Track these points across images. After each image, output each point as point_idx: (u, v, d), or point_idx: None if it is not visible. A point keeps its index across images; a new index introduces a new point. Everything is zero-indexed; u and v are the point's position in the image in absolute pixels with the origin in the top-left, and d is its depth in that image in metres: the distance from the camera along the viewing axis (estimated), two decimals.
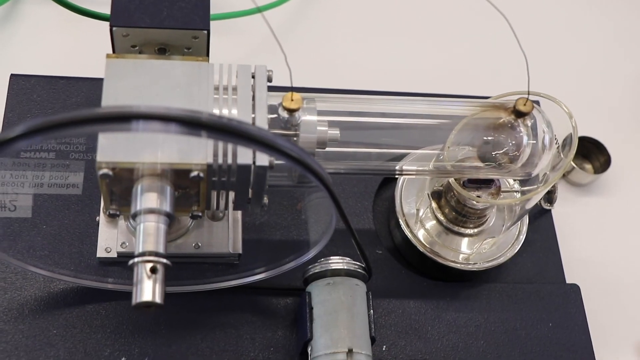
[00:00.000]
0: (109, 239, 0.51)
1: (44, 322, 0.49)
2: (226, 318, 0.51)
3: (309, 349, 0.47)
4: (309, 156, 0.35)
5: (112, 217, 0.44)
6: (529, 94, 0.46)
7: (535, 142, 0.48)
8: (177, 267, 0.51)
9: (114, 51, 0.46)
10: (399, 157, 0.51)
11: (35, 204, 0.52)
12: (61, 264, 0.51)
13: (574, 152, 0.48)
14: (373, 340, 0.48)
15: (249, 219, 0.55)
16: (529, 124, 0.47)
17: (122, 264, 0.50)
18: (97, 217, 0.51)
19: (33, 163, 0.54)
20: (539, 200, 0.58)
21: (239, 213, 0.52)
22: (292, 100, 0.43)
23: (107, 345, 0.49)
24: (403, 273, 0.55)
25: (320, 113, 0.45)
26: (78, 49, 0.64)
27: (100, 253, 0.50)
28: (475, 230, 0.55)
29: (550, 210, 0.60)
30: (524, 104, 0.46)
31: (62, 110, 0.56)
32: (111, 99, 0.41)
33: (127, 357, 0.48)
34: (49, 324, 0.49)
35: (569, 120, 0.48)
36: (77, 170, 0.54)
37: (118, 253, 0.50)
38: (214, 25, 0.46)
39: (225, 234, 0.51)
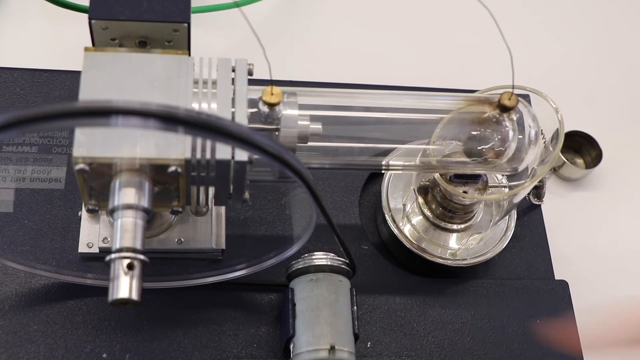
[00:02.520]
0: (90, 234, 0.50)
1: (24, 318, 0.48)
2: (209, 314, 0.50)
3: (292, 346, 0.47)
4: (287, 151, 0.34)
5: (92, 212, 0.43)
6: (513, 88, 0.45)
7: (521, 136, 0.47)
8: (160, 263, 0.51)
9: (93, 44, 0.45)
10: (386, 152, 0.50)
11: (17, 199, 0.52)
12: (42, 259, 0.50)
13: (561, 145, 0.48)
14: (356, 337, 0.47)
15: (233, 214, 0.54)
16: (515, 119, 0.47)
17: (104, 260, 0.50)
18: (80, 212, 0.51)
19: (15, 157, 0.53)
20: (528, 196, 0.57)
21: (223, 208, 0.52)
22: (272, 94, 0.42)
23: (88, 342, 0.48)
24: (389, 269, 0.55)
25: (302, 107, 0.44)
26: (61, 41, 0.63)
27: (82, 248, 0.50)
28: (463, 225, 0.54)
29: (540, 205, 0.59)
30: (509, 99, 0.45)
31: (44, 104, 0.55)
32: (89, 93, 0.40)
33: (109, 353, 0.48)
34: (29, 320, 0.48)
35: (554, 113, 0.47)
36: (60, 164, 0.54)
37: (100, 248, 0.50)
38: (195, 18, 0.46)
39: (209, 229, 0.51)
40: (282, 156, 0.34)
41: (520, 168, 0.48)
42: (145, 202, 0.39)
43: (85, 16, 0.45)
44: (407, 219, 0.54)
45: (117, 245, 0.38)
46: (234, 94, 0.42)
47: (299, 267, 0.48)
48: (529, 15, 0.76)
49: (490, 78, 0.53)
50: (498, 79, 0.50)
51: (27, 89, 0.56)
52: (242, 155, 0.40)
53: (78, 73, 0.41)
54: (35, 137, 0.54)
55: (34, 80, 0.57)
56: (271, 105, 0.42)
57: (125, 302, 0.37)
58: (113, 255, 0.38)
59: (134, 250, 0.38)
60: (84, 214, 0.51)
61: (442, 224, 0.54)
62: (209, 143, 0.40)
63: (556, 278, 0.57)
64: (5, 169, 0.53)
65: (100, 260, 0.51)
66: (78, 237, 0.50)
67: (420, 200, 0.54)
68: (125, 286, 0.37)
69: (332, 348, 0.45)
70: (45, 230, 0.51)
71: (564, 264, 0.59)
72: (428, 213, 0.54)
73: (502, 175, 0.55)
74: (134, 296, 0.37)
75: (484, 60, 0.69)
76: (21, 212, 0.52)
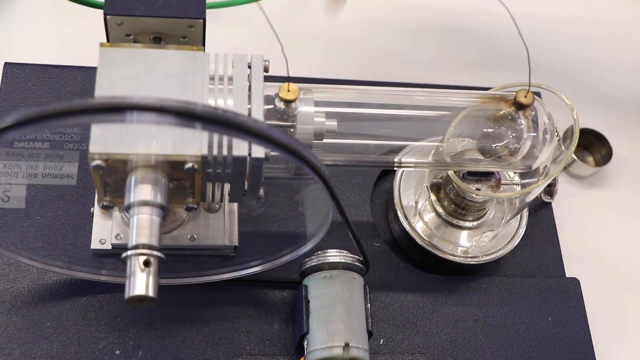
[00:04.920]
0: (103, 231, 0.50)
1: (37, 315, 0.48)
2: (222, 311, 0.50)
3: (305, 343, 0.46)
4: (305, 148, 0.34)
5: (106, 208, 0.43)
6: (529, 85, 0.45)
7: (535, 134, 0.47)
8: (173, 260, 0.51)
9: (108, 40, 0.45)
10: (398, 149, 0.50)
11: (29, 195, 0.52)
12: (55, 255, 0.50)
13: (575, 144, 0.48)
14: (370, 334, 0.47)
15: (246, 211, 0.54)
16: (530, 116, 0.46)
17: (117, 256, 0.49)
18: (92, 208, 0.51)
19: (27, 153, 0.53)
20: (539, 193, 0.57)
21: (235, 205, 0.52)
22: (288, 90, 0.42)
23: (101, 338, 0.48)
24: (401, 266, 0.55)
25: (318, 104, 0.44)
26: (73, 37, 0.63)
27: (95, 245, 0.50)
28: (475, 223, 0.54)
29: (550, 203, 0.59)
30: (525, 96, 0.45)
31: (56, 99, 0.55)
32: (104, 89, 0.40)
33: (121, 350, 0.48)
34: (42, 317, 0.48)
35: (570, 112, 0.47)
36: (72, 160, 0.53)
37: (112, 245, 0.50)
38: (211, 14, 0.46)
39: (222, 226, 0.51)
40: (300, 152, 0.34)
41: (534, 166, 0.48)
42: (161, 199, 0.39)
43: (96, 12, 0.45)
44: (419, 216, 0.54)
45: (133, 242, 0.38)
46: (249, 90, 0.42)
47: (313, 264, 0.48)
48: (541, 12, 0.75)
49: (502, 75, 0.53)
50: (510, 76, 0.50)
51: (39, 84, 0.56)
52: (258, 151, 0.40)
53: (90, 69, 0.41)
54: (47, 133, 0.54)
55: (45, 75, 0.56)
56: (287, 102, 0.42)
57: (141, 299, 0.37)
58: (129, 252, 0.38)
59: (150, 247, 0.38)
60: (96, 210, 0.51)
61: (455, 221, 0.54)
62: (225, 139, 0.40)
63: (567, 276, 0.57)
64: (17, 164, 0.52)
65: (112, 257, 0.50)
66: (90, 233, 0.50)
67: (433, 197, 0.54)
68: (141, 283, 0.37)
69: (347, 345, 0.45)
70: (57, 227, 0.51)
71: (575, 261, 0.59)
72: (440, 210, 0.54)
73: (515, 173, 0.55)
74: (151, 293, 0.37)
75: (497, 58, 0.68)
76: (33, 209, 0.51)
